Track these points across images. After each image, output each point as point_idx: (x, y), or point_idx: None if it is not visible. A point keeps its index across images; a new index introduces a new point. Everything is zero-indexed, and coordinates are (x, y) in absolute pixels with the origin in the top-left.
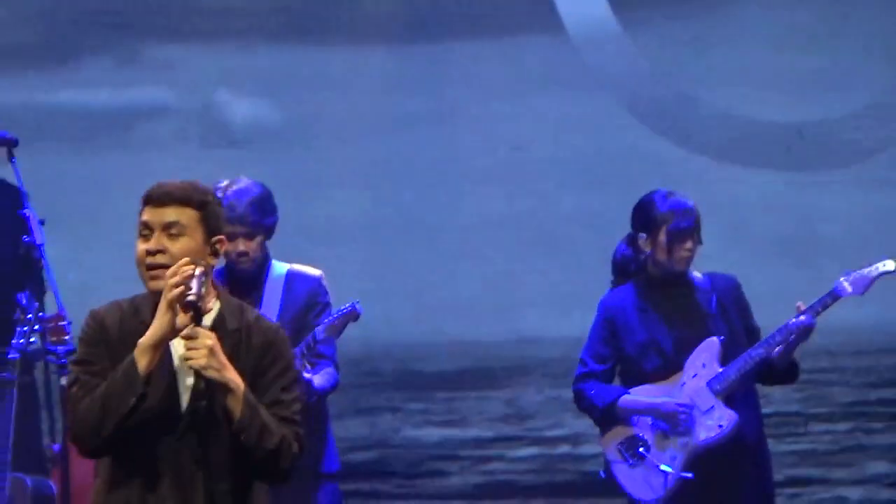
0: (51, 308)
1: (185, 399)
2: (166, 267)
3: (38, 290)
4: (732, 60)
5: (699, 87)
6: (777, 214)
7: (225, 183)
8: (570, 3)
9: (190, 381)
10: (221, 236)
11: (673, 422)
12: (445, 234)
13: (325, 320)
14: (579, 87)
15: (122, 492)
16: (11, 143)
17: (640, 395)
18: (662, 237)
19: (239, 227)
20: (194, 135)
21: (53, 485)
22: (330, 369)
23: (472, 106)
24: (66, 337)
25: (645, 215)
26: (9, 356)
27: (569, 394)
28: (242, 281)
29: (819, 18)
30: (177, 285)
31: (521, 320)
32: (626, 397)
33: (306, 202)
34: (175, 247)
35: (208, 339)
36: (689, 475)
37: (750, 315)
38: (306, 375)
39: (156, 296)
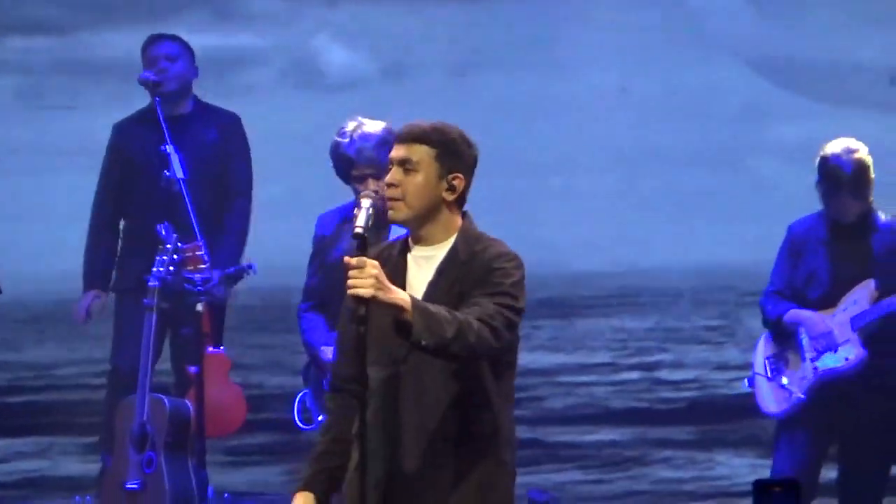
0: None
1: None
2: (397, 200)
3: (178, 222)
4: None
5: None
6: None
7: (351, 126)
8: None
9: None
10: (459, 174)
11: (816, 337)
12: (548, 169)
13: None
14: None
15: (371, 407)
16: (155, 85)
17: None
18: (821, 190)
19: (367, 169)
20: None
21: (190, 404)
22: None
23: (581, 49)
24: (203, 266)
25: (819, 164)
26: (149, 284)
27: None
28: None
29: None
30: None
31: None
32: (791, 312)
33: None
34: (407, 181)
35: (374, 268)
36: (802, 397)
37: None
38: None
39: None
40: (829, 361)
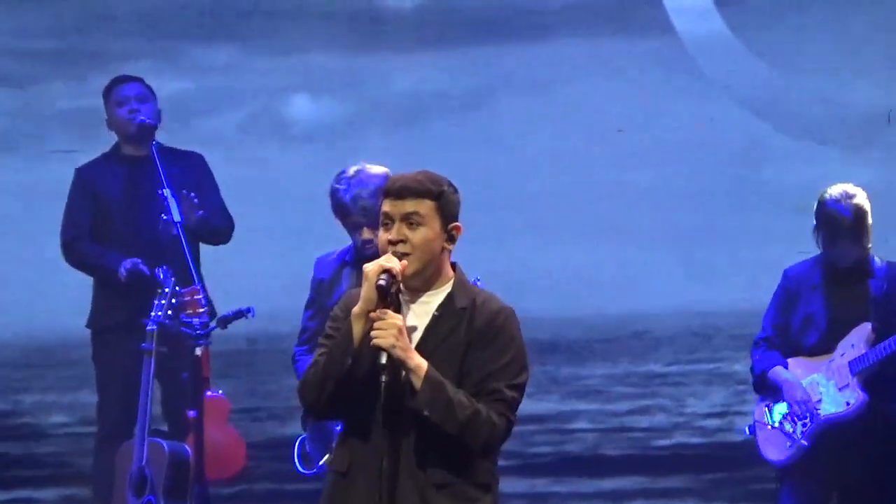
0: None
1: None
2: (406, 255)
3: (175, 266)
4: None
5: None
6: None
7: (350, 172)
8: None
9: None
10: (457, 223)
11: (793, 403)
12: (540, 208)
13: None
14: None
15: (346, 452)
16: (151, 129)
17: (792, 367)
18: (820, 236)
19: (361, 218)
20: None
21: (189, 449)
22: None
23: (571, 91)
24: (201, 310)
25: (816, 210)
26: (147, 328)
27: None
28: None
29: None
30: (379, 265)
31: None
32: (775, 370)
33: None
34: (415, 236)
35: (397, 320)
36: (805, 444)
37: None
38: None
39: None
40: (830, 407)
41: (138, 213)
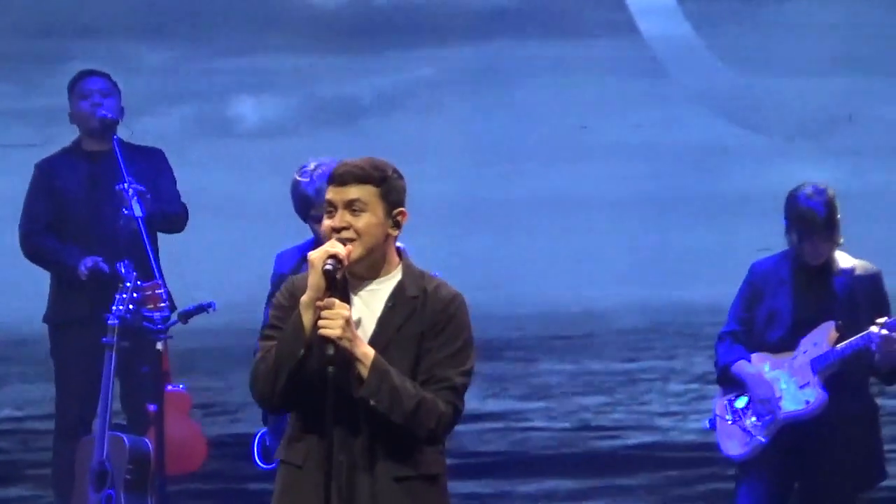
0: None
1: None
2: (351, 241)
3: (136, 260)
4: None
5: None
6: None
7: (312, 166)
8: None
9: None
10: (402, 209)
11: (758, 399)
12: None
13: None
14: (647, 75)
15: (303, 445)
16: (112, 123)
17: (756, 362)
18: (794, 234)
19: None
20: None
21: (150, 443)
22: None
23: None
24: (162, 304)
25: (787, 207)
26: (108, 322)
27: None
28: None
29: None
30: (324, 251)
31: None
32: (738, 364)
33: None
34: (359, 222)
35: (344, 310)
36: (763, 440)
37: (884, 308)
38: None
39: None
40: (790, 405)
41: (99, 207)
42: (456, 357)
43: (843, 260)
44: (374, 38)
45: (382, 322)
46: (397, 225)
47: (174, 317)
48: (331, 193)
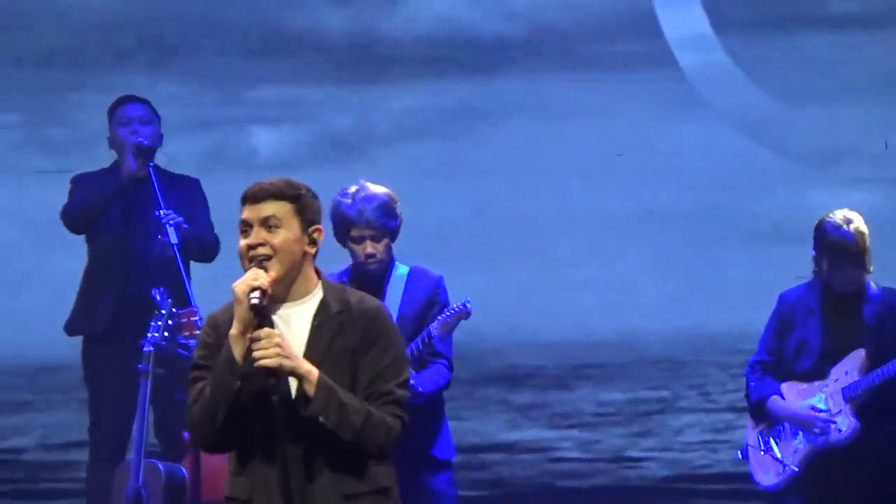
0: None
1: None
2: (268, 258)
3: (171, 287)
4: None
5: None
6: None
7: (353, 188)
8: (674, 19)
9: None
10: (318, 226)
11: (810, 428)
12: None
13: (439, 318)
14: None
15: (246, 479)
16: (149, 150)
17: (787, 392)
18: (824, 263)
19: (367, 231)
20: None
21: (185, 470)
22: (442, 368)
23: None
24: (198, 332)
25: (816, 237)
26: (143, 349)
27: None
28: (367, 280)
29: None
30: (247, 284)
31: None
32: (774, 399)
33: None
34: (275, 239)
35: (275, 337)
36: (796, 469)
37: None
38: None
39: None
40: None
41: (134, 233)
42: (393, 368)
43: (872, 287)
44: (392, 68)
45: (312, 342)
46: (314, 242)
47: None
48: (246, 212)
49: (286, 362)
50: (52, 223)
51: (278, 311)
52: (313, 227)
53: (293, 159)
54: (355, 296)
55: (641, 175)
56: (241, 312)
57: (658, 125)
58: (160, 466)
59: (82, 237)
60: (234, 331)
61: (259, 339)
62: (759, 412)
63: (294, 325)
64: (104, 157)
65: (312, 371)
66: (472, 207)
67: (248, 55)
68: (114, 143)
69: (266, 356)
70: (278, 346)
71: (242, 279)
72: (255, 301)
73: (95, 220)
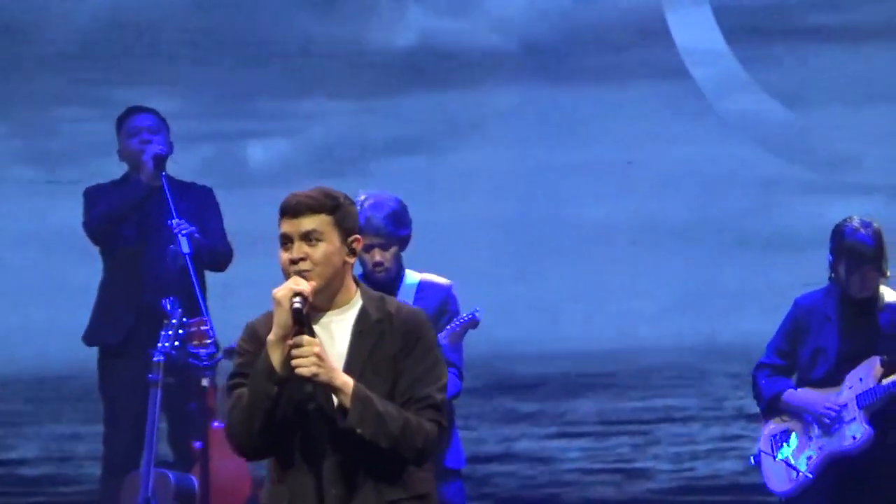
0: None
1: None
2: (310, 272)
3: (182, 297)
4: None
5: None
6: None
7: (363, 197)
8: (685, 28)
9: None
10: (357, 236)
11: (820, 421)
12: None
13: (447, 328)
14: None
15: (284, 487)
16: (162, 159)
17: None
18: (841, 267)
19: (375, 239)
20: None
21: (195, 480)
22: (453, 377)
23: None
24: (208, 341)
25: (833, 241)
26: (154, 358)
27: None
28: (376, 289)
29: None
30: (289, 289)
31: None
32: (789, 391)
33: (433, 209)
34: (316, 252)
35: (315, 346)
36: (811, 476)
37: None
38: None
39: None
40: (838, 441)
41: (146, 242)
42: (432, 373)
43: (889, 295)
44: (403, 79)
45: (353, 350)
46: (353, 252)
47: (220, 353)
48: (285, 226)
49: (322, 373)
50: (41, 234)
51: (319, 320)
52: (352, 238)
53: (286, 171)
54: (394, 304)
55: (650, 184)
56: (281, 317)
57: (669, 133)
58: (171, 476)
59: (82, 247)
60: (272, 336)
61: (300, 346)
62: (774, 407)
63: (335, 333)
64: (96, 170)
65: (348, 383)
66: (481, 218)
67: (241, 68)
68: (124, 153)
69: (303, 364)
70: (317, 355)
71: (284, 285)
72: (297, 306)
73: (117, 229)
